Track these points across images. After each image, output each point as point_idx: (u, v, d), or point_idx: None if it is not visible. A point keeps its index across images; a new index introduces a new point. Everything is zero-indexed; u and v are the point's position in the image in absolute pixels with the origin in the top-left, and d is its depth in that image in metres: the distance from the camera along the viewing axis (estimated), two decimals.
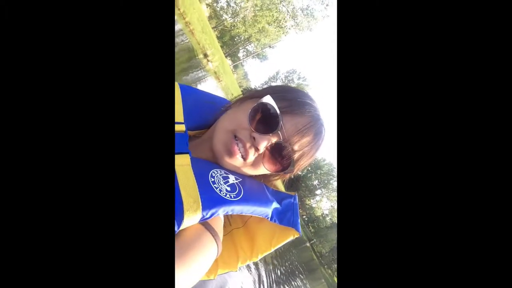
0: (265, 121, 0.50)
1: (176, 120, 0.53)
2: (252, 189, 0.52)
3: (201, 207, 0.42)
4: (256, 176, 0.57)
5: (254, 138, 0.50)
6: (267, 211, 0.52)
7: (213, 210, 0.44)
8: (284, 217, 0.54)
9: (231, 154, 0.51)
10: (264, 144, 0.50)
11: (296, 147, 0.52)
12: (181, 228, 0.42)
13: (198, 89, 0.66)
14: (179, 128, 0.52)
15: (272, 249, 0.57)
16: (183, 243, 0.42)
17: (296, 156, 0.52)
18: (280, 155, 0.51)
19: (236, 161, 0.52)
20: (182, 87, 0.60)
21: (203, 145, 0.56)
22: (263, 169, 0.53)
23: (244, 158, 0.51)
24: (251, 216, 0.60)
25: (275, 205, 0.54)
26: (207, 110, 0.59)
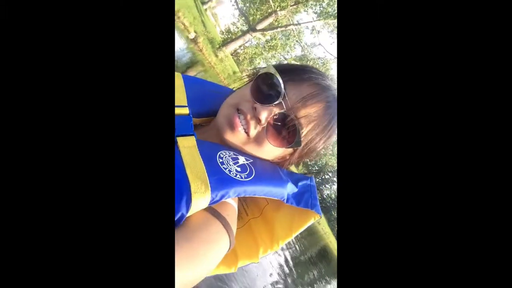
0: (267, 91, 0.48)
1: (179, 104, 0.51)
2: (264, 170, 0.49)
3: (210, 188, 0.40)
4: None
5: (255, 109, 0.47)
6: (283, 192, 0.49)
7: (222, 192, 0.42)
8: (302, 198, 0.51)
9: (232, 127, 0.48)
10: (265, 114, 0.47)
11: (302, 118, 0.47)
12: (189, 213, 0.40)
13: (201, 79, 0.64)
14: (182, 111, 0.50)
15: (293, 235, 0.53)
16: (189, 232, 0.39)
17: (304, 130, 0.48)
18: (284, 126, 0.47)
19: (239, 135, 0.49)
20: (185, 77, 0.57)
21: (209, 132, 0.54)
22: (268, 148, 0.49)
23: (247, 131, 0.49)
24: (267, 204, 0.57)
25: (290, 186, 0.50)
26: (212, 99, 0.56)
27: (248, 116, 0.48)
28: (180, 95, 0.52)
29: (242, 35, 12.81)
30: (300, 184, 0.53)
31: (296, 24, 14.17)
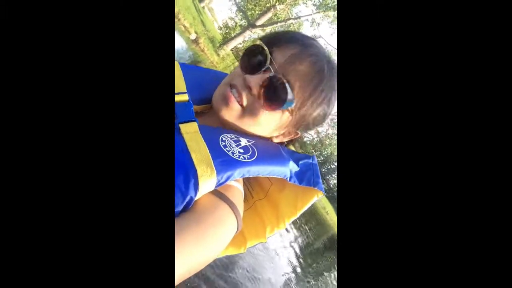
0: (254, 61, 0.49)
1: (178, 91, 0.51)
2: (266, 149, 0.50)
3: (215, 171, 0.42)
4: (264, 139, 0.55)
5: (246, 79, 0.48)
6: (285, 170, 0.50)
7: (228, 173, 0.43)
8: (304, 176, 0.53)
9: (226, 102, 0.49)
10: (255, 81, 0.48)
11: (291, 76, 0.48)
12: (197, 197, 0.41)
13: (199, 66, 0.64)
14: (182, 97, 0.50)
15: (298, 213, 0.55)
16: (198, 215, 0.41)
17: (295, 87, 0.48)
18: (274, 88, 0.48)
19: (234, 108, 0.49)
20: (182, 65, 0.58)
21: (210, 118, 0.54)
22: (264, 117, 0.50)
23: (240, 103, 0.49)
24: (272, 185, 0.59)
25: (292, 164, 0.52)
26: (210, 85, 0.56)
27: (240, 88, 0.49)
28: (179, 82, 0.53)
29: (242, 32, 12.88)
30: (301, 162, 0.54)
31: (295, 18, 14.16)
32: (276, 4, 12.29)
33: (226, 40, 13.03)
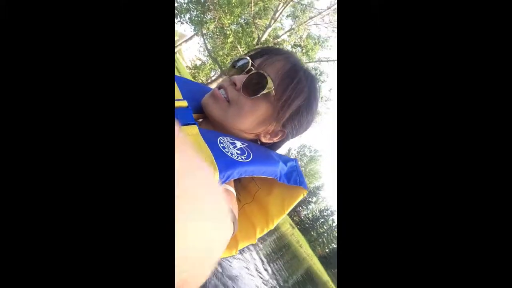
0: (238, 65, 0.57)
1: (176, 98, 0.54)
2: (259, 151, 0.55)
3: (217, 170, 0.44)
4: (252, 136, 0.59)
5: (232, 79, 0.55)
6: (276, 170, 0.55)
7: (228, 172, 0.46)
8: (291, 177, 0.57)
9: (215, 97, 0.55)
10: (239, 78, 0.54)
11: (269, 71, 0.54)
12: None
13: (187, 78, 0.70)
14: (181, 103, 0.54)
15: (286, 212, 0.60)
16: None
17: (274, 79, 0.54)
18: (255, 78, 0.54)
19: (220, 103, 0.55)
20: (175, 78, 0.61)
21: (204, 125, 0.59)
22: (247, 108, 0.55)
23: (227, 98, 0.55)
24: (258, 189, 0.63)
25: (281, 165, 0.56)
26: (201, 95, 0.61)
27: (226, 85, 0.56)
28: (176, 91, 0.57)
29: (216, 79, 13.59)
30: (288, 164, 0.59)
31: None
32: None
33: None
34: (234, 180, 0.58)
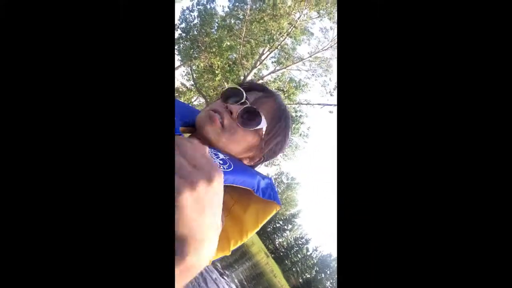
0: (233, 95, 0.64)
1: None
2: (239, 164, 0.60)
3: None
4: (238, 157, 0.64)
5: (227, 107, 0.61)
6: (254, 182, 0.59)
7: None
8: (266, 191, 0.62)
9: (212, 120, 0.60)
10: (236, 108, 0.60)
11: (261, 109, 0.62)
12: None
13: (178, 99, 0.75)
14: None
15: (259, 226, 0.64)
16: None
17: (265, 117, 0.62)
18: (250, 113, 0.61)
19: (216, 126, 0.60)
20: None
21: (192, 139, 0.62)
22: (239, 135, 0.61)
23: (222, 124, 0.60)
24: (234, 203, 0.67)
25: (259, 178, 0.61)
26: (187, 112, 0.67)
27: (222, 112, 0.61)
28: None
29: (198, 105, 14.08)
30: (265, 180, 0.64)
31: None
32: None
33: None
34: None
